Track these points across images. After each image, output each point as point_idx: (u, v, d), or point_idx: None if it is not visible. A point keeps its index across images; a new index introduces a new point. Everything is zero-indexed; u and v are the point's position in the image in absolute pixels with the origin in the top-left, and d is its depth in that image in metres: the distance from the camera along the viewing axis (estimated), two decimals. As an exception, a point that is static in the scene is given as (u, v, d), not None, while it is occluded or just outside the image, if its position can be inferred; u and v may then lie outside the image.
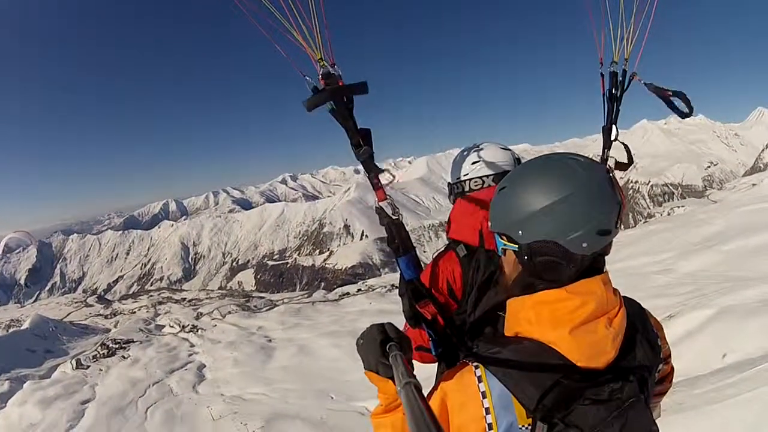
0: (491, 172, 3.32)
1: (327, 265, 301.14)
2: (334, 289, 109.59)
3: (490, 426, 1.76)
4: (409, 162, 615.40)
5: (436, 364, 3.13)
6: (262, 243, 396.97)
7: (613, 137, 3.63)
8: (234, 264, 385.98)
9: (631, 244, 42.30)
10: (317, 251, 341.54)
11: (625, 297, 2.08)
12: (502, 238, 2.03)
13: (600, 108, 3.64)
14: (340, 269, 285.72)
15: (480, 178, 3.34)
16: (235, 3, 2.66)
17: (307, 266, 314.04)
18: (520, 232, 1.90)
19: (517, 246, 1.94)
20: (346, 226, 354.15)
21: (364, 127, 2.80)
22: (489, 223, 2.09)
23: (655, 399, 2.53)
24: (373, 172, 2.85)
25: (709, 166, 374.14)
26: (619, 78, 3.61)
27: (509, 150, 3.46)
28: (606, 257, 2.01)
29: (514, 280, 2.05)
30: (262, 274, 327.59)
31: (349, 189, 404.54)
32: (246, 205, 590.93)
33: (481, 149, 3.43)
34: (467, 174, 3.40)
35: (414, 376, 1.56)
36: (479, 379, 1.82)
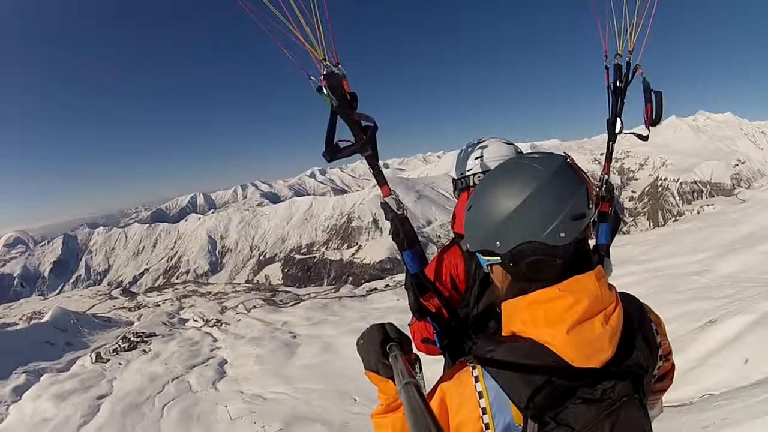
0: (494, 167, 2.64)
1: (355, 260, 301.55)
2: (362, 284, 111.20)
3: (487, 426, 1.81)
4: (439, 157, 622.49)
5: (442, 356, 3.25)
6: (289, 237, 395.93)
7: (617, 130, 3.65)
8: (261, 258, 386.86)
9: (664, 243, 42.45)
10: (345, 245, 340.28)
11: (622, 293, 2.09)
12: (484, 256, 2.05)
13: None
14: (368, 264, 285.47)
15: (483, 172, 3.43)
16: (239, 5, 2.67)
17: (335, 260, 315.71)
18: (497, 243, 1.92)
19: (499, 257, 1.95)
20: (375, 221, 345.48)
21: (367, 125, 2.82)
22: (467, 245, 2.13)
23: (655, 396, 2.48)
24: (377, 169, 2.92)
25: (736, 164, 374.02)
26: (624, 71, 3.62)
27: (512, 144, 3.58)
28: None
29: (506, 290, 2.04)
30: (290, 267, 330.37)
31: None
32: (274, 198, 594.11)
33: (484, 144, 3.56)
34: (470, 169, 3.53)
35: (414, 376, 1.66)
36: (476, 379, 1.86)
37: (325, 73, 2.71)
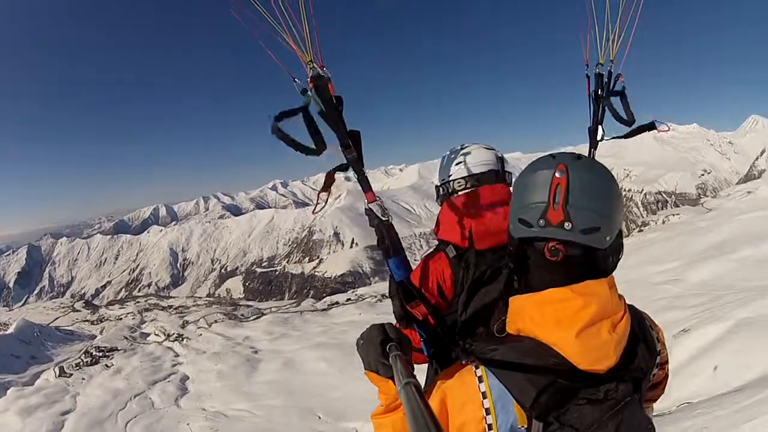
0: (474, 172, 3.40)
1: (316, 273, 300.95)
2: (324, 297, 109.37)
3: (490, 426, 1.81)
4: (401, 170, 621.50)
5: (427, 364, 3.22)
6: (251, 250, 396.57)
7: (599, 138, 3.69)
8: (223, 271, 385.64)
9: (630, 254, 41.60)
10: (307, 259, 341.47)
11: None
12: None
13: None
14: (330, 277, 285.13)
15: (463, 178, 3.42)
16: (228, 7, 2.66)
17: (296, 274, 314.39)
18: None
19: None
20: (336, 234, 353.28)
21: (354, 129, 2.78)
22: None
23: (647, 404, 2.49)
24: (362, 174, 2.83)
25: (702, 174, 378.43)
26: (605, 79, 3.64)
27: (492, 149, 3.55)
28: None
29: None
30: (251, 281, 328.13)
31: (339, 196, 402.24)
32: (236, 211, 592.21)
33: (465, 150, 3.52)
34: (451, 175, 3.49)
35: (414, 376, 1.67)
36: (480, 380, 1.87)
37: (312, 75, 2.69)
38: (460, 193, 3.41)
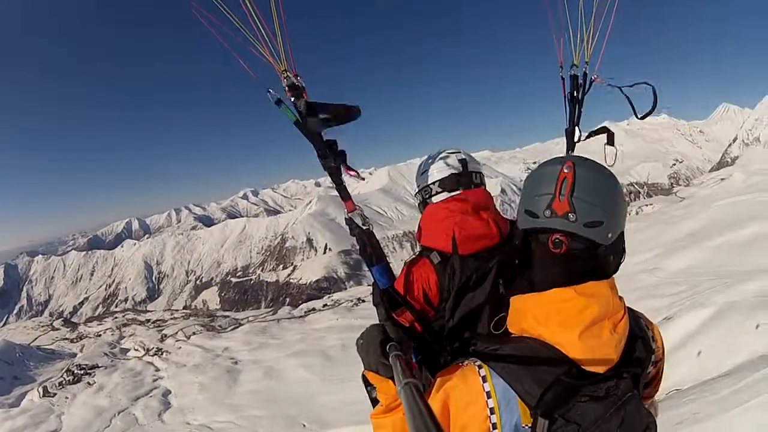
0: (437, 179, 3.42)
1: (291, 280, 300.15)
2: (300, 304, 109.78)
3: (494, 426, 1.82)
4: (370, 173, 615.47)
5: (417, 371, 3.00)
6: (225, 260, 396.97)
7: (576, 139, 3.72)
8: (198, 282, 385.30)
9: None
10: (281, 266, 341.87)
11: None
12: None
13: (562, 111, 3.76)
14: (305, 284, 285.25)
15: (430, 185, 3.44)
16: (198, 17, 2.70)
17: (271, 282, 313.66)
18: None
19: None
20: (309, 240, 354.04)
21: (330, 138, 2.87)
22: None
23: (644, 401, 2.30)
24: (341, 183, 2.92)
25: (674, 164, 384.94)
26: (580, 81, 3.71)
27: (455, 153, 3.53)
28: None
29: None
30: (227, 291, 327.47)
31: (310, 202, 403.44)
32: (208, 221, 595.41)
33: (432, 157, 3.57)
34: (422, 184, 3.53)
35: (414, 376, 1.67)
36: (483, 379, 1.88)
37: (287, 84, 2.74)
38: (434, 198, 3.43)
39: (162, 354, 69.81)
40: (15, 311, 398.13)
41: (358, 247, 2.93)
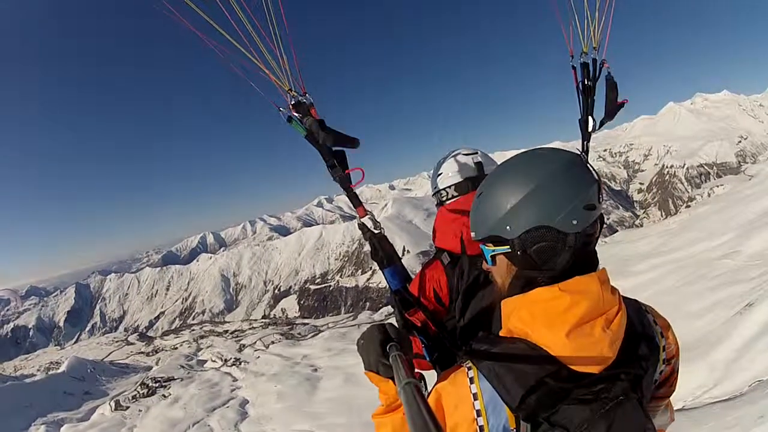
0: (452, 183, 3.51)
1: (371, 285, 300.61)
2: (381, 308, 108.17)
3: (481, 428, 1.83)
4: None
5: (434, 371, 3.17)
6: (303, 268, 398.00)
7: (590, 128, 3.65)
8: (276, 291, 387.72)
9: (682, 231, 40.82)
10: (359, 271, 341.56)
11: (624, 297, 2.08)
12: (488, 246, 2.06)
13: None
14: (385, 287, 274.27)
15: (444, 189, 3.55)
16: (209, 47, 2.78)
17: (350, 287, 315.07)
18: (508, 227, 1.92)
19: (507, 246, 1.95)
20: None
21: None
22: (472, 234, 2.13)
23: (656, 402, 2.42)
24: (351, 191, 3.16)
25: (740, 141, 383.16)
26: (590, 68, 3.65)
27: (471, 155, 3.58)
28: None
29: (511, 283, 2.04)
30: (305, 299, 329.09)
31: (386, 205, 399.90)
32: (284, 231, 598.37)
33: (444, 160, 3.64)
34: (436, 187, 3.64)
35: (414, 377, 1.70)
36: (471, 381, 1.89)
37: (292, 103, 2.91)
38: (447, 202, 3.48)
39: (240, 364, 69.13)
40: (87, 328, 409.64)
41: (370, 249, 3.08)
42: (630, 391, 1.81)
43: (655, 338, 2.06)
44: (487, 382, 1.80)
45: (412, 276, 3.51)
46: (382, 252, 3.07)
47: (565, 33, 3.52)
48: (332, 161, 2.94)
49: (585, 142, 3.66)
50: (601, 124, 3.70)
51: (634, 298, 2.19)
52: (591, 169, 1.91)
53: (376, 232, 3.06)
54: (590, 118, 3.60)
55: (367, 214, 3.05)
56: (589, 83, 3.61)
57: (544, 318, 1.79)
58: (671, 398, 2.45)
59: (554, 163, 1.87)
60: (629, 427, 1.75)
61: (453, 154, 3.60)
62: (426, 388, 2.09)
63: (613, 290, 1.90)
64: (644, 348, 1.95)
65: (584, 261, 1.91)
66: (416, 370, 2.15)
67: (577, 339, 1.73)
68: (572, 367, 1.73)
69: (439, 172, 3.56)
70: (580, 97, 3.64)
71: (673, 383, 2.34)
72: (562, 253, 1.84)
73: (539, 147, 2.00)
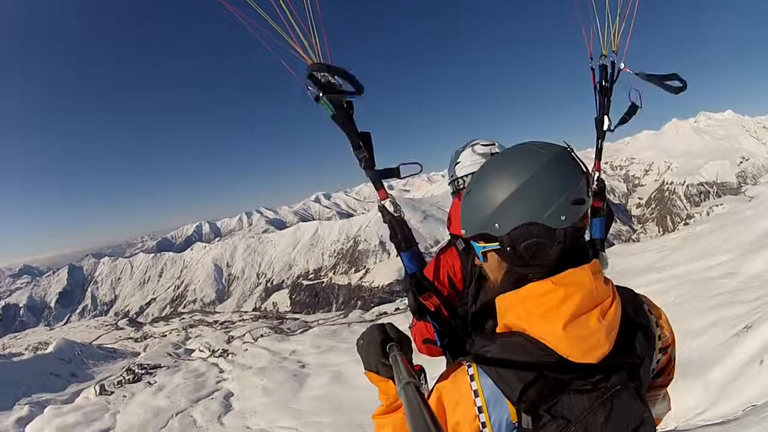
0: (469, 172, 3.67)
1: (363, 284, 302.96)
2: (371, 308, 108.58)
3: (483, 425, 1.84)
4: (443, 176, 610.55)
5: (444, 357, 3.44)
6: (296, 262, 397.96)
7: (605, 128, 3.74)
8: (268, 284, 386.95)
9: (680, 248, 40.47)
10: (353, 269, 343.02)
11: (618, 286, 2.08)
12: (479, 243, 2.04)
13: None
14: (377, 287, 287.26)
15: (461, 178, 3.75)
16: (236, 18, 2.74)
17: (342, 285, 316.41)
18: (496, 225, 1.91)
19: (497, 242, 1.94)
20: (382, 243, 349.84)
21: (364, 131, 2.99)
22: (462, 232, 2.12)
23: (655, 392, 2.47)
24: (374, 174, 3.03)
25: (741, 162, 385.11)
26: (609, 70, 3.72)
27: (489, 145, 3.75)
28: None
29: (502, 280, 2.05)
30: (297, 294, 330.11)
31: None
32: (279, 225, 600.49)
33: (462, 149, 3.82)
34: (453, 175, 3.83)
35: (414, 376, 1.75)
36: (471, 378, 1.90)
37: (323, 82, 2.77)
38: (463, 190, 3.14)
39: (227, 356, 68.99)
40: (78, 311, 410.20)
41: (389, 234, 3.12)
42: (627, 380, 1.85)
43: (650, 327, 2.09)
44: (487, 378, 1.81)
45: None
46: (401, 235, 3.04)
47: (585, 36, 3.59)
48: (357, 143, 2.88)
49: (599, 141, 3.76)
50: (620, 123, 3.74)
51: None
52: (579, 162, 1.89)
53: (396, 215, 3.02)
54: (606, 117, 3.68)
55: (388, 197, 3.02)
56: (607, 84, 3.69)
57: (539, 312, 1.80)
58: (666, 415, 2.55)
59: (541, 158, 1.84)
60: (627, 415, 1.80)
61: (471, 144, 3.74)
62: (426, 381, 2.10)
63: (606, 281, 1.91)
64: (640, 337, 1.97)
65: (575, 254, 1.89)
66: (415, 364, 2.14)
67: (574, 331, 1.74)
68: (570, 358, 1.74)
69: (458, 161, 3.71)
70: (597, 96, 3.72)
71: (670, 372, 2.38)
72: (552, 248, 1.83)
73: (527, 141, 1.98)
